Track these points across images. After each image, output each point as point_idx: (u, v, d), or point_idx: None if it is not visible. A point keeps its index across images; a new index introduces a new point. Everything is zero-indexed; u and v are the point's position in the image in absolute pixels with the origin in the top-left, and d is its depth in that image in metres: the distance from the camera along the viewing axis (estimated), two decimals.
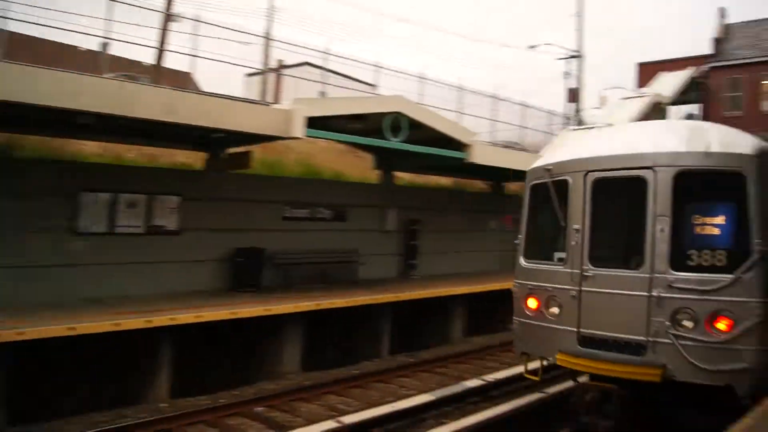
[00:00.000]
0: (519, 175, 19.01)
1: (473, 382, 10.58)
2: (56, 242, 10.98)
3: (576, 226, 7.47)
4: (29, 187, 10.62)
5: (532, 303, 7.93)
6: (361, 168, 19.30)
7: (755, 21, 29.44)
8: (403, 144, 13.65)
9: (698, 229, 6.84)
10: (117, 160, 13.86)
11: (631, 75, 34.69)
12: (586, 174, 7.47)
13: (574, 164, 7.67)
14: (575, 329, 7.29)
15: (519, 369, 11.46)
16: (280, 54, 18.64)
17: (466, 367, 12.63)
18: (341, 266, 15.28)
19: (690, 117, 28.77)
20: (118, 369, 10.47)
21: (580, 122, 29.53)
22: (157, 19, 17.47)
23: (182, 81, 16.51)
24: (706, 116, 28.74)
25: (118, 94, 9.62)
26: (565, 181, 7.67)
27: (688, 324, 6.57)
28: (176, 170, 13.98)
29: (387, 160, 16.97)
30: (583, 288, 7.30)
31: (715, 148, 6.87)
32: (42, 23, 11.10)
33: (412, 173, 19.80)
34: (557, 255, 7.76)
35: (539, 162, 8.48)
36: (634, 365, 6.78)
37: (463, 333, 15.91)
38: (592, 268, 7.27)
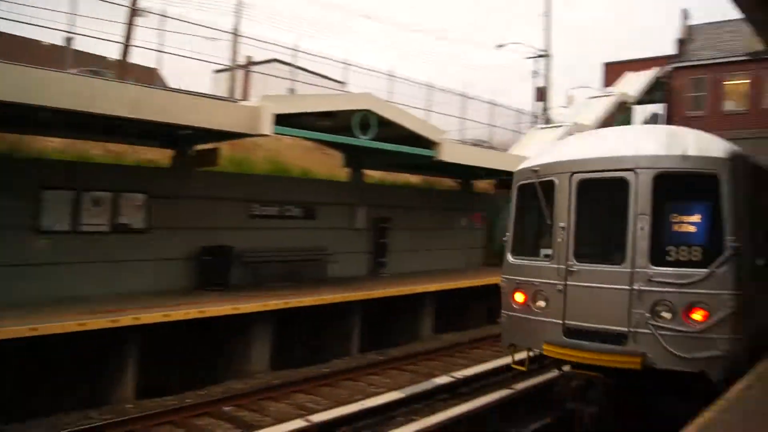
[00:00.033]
0: (488, 172, 19.29)
1: (443, 379, 10.64)
2: (18, 241, 10.73)
3: (562, 224, 7.88)
4: None
5: (519, 297, 8.33)
6: (330, 166, 19.24)
7: (717, 23, 30.06)
8: (372, 142, 13.65)
9: (676, 227, 7.32)
10: (82, 157, 13.58)
11: (598, 74, 35.21)
12: (571, 175, 7.89)
13: (560, 166, 8.09)
14: (561, 321, 7.70)
15: (488, 366, 11.63)
16: (248, 50, 18.49)
17: (435, 365, 12.69)
18: (311, 264, 15.22)
19: (655, 116, 29.36)
20: (83, 370, 10.27)
21: (547, 121, 29.89)
22: (122, 14, 17.24)
23: (148, 77, 16.25)
24: (670, 116, 29.31)
25: (82, 89, 9.41)
26: (552, 182, 8.07)
27: (667, 315, 7.03)
28: (142, 167, 13.76)
29: (356, 157, 16.96)
30: (568, 282, 7.71)
31: (692, 151, 7.36)
32: (1, 16, 10.83)
33: (381, 171, 19.81)
34: (544, 251, 8.17)
35: (526, 164, 8.90)
36: (616, 354, 7.22)
37: (432, 330, 15.98)
38: (577, 263, 7.69)
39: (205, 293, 12.36)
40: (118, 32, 16.92)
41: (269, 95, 12.08)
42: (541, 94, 32.48)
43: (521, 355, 8.73)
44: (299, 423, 8.28)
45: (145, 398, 10.06)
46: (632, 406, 7.85)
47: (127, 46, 17.34)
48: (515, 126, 27.95)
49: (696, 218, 7.30)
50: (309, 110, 12.39)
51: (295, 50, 18.92)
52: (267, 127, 11.38)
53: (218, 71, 18.73)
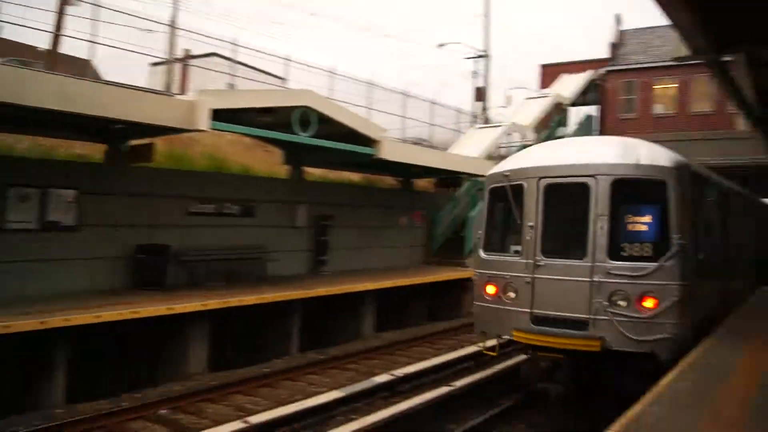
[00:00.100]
0: (428, 171, 19.46)
1: (383, 378, 10.65)
2: None
3: (530, 223, 8.81)
4: None
5: (490, 289, 9.20)
6: (270, 163, 19.01)
7: (647, 28, 31.21)
8: (312, 139, 13.55)
9: (630, 227, 8.37)
10: (7, 151, 12.96)
11: (535, 75, 35.97)
12: (539, 180, 8.84)
13: (528, 171, 9.03)
14: (529, 310, 8.62)
15: (428, 363, 11.71)
16: (186, 44, 18.08)
17: (376, 363, 12.70)
18: (250, 263, 14.99)
19: (589, 118, 30.23)
20: (8, 375, 9.80)
21: (486, 120, 30.37)
22: (53, 1, 16.54)
23: (80, 68, 15.67)
24: (603, 118, 30.25)
25: (6, 79, 8.97)
26: (521, 186, 9.01)
27: (622, 303, 8.03)
28: (73, 163, 13.23)
29: (296, 155, 16.80)
30: (535, 275, 8.63)
31: (644, 161, 8.43)
32: None
33: (322, 169, 19.71)
34: (513, 248, 9.11)
35: (497, 168, 9.82)
36: (578, 338, 8.16)
37: (373, 329, 16.00)
38: (544, 258, 8.61)
39: (140, 293, 11.99)
40: (48, 21, 16.28)
41: (206, 90, 11.84)
42: (480, 94, 32.98)
43: (491, 342, 9.55)
44: (237, 425, 8.13)
45: (76, 402, 9.68)
46: (592, 384, 8.69)
47: (57, 35, 16.66)
48: (455, 125, 28.31)
49: (647, 219, 8.36)
50: (247, 106, 12.20)
51: (235, 45, 18.61)
52: (204, 122, 11.13)
53: (155, 64, 18.22)
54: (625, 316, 7.96)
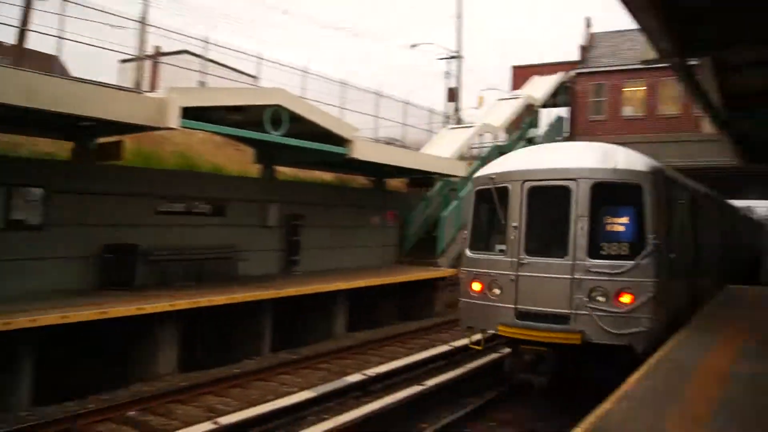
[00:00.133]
0: (401, 171, 19.49)
1: (355, 377, 10.64)
2: None
3: (514, 224, 9.32)
4: None
5: (476, 286, 9.69)
6: (241, 162, 18.85)
7: (617, 32, 31.69)
8: (283, 138, 13.47)
9: (608, 227, 8.92)
10: None
11: (507, 77, 36.27)
12: (523, 183, 9.35)
13: (513, 174, 9.56)
14: (513, 306, 9.13)
15: (400, 363, 11.73)
16: (157, 41, 17.84)
17: (348, 363, 12.68)
18: (220, 262, 14.85)
19: (560, 119, 30.57)
20: None
21: (459, 121, 30.54)
22: None
23: (47, 64, 15.35)
24: (574, 119, 30.63)
25: None
26: (506, 188, 9.51)
27: (601, 299, 8.55)
28: (39, 160, 12.95)
29: (268, 153, 16.68)
30: (519, 273, 9.13)
31: (621, 166, 9.01)
32: None
33: (294, 168, 19.61)
34: (498, 247, 9.58)
35: (483, 171, 10.34)
36: (560, 332, 8.68)
37: (345, 328, 15.97)
38: (527, 257, 9.14)
39: (108, 293, 11.79)
40: (14, 15, 15.91)
41: (176, 87, 11.68)
42: (453, 95, 33.19)
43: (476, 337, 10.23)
44: (207, 426, 8.05)
45: (42, 405, 9.48)
46: (573, 376, 9.16)
47: (23, 30, 16.29)
48: (428, 125, 28.42)
49: (624, 220, 8.95)
50: (218, 104, 12.09)
51: (206, 42, 18.43)
52: (173, 120, 11.00)
53: (125, 61, 17.95)
54: (604, 311, 8.49)
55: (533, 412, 9.96)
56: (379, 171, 19.81)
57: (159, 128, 11.40)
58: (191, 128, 12.48)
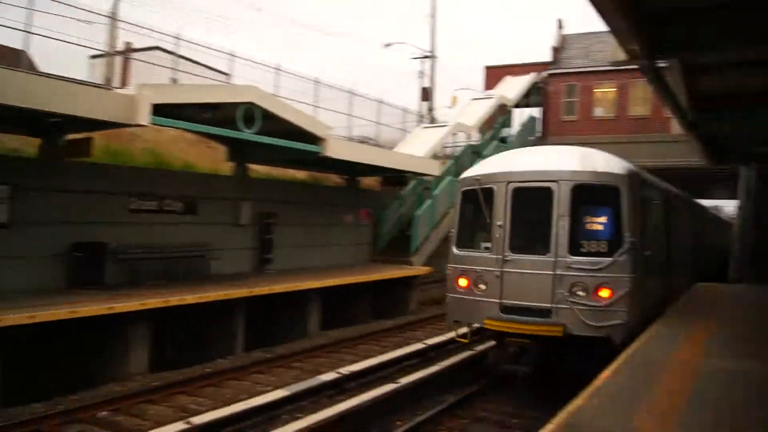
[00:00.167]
0: (375, 169, 19.49)
1: (329, 376, 10.62)
2: None
3: (499, 223, 9.82)
4: None
5: (463, 282, 10.17)
6: (213, 159, 18.68)
7: (588, 33, 32.08)
8: (256, 135, 13.38)
9: (588, 226, 9.47)
10: None
11: (480, 77, 36.49)
12: (507, 184, 9.86)
13: (498, 176, 10.07)
14: (498, 300, 9.64)
15: (374, 361, 11.74)
16: (128, 36, 17.58)
17: (321, 361, 12.65)
18: (193, 261, 14.70)
19: (532, 119, 30.85)
20: None
21: (432, 120, 30.65)
22: None
23: (15, 59, 15.02)
24: (546, 120, 30.94)
25: None
26: (491, 189, 10.01)
27: (581, 293, 9.07)
28: (5, 157, 12.68)
29: (241, 151, 16.55)
30: (504, 269, 9.65)
31: (600, 168, 9.60)
32: None
33: (267, 166, 19.49)
34: (484, 244, 10.04)
35: (469, 173, 10.87)
36: (543, 325, 9.21)
37: (319, 327, 15.91)
38: (512, 254, 9.65)
39: (77, 292, 11.60)
40: None
41: (147, 84, 11.52)
42: (427, 94, 33.29)
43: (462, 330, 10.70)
44: (180, 426, 7.96)
45: (8, 406, 9.28)
46: (555, 366, 9.62)
47: None
48: (401, 124, 28.46)
49: (603, 219, 9.51)
50: (190, 101, 11.96)
51: (178, 38, 18.22)
52: (144, 117, 10.85)
53: (95, 57, 17.66)
54: (584, 304, 9.03)
55: (509, 407, 10.06)
56: (352, 169, 19.79)
57: (129, 125, 11.24)
58: (162, 125, 12.32)
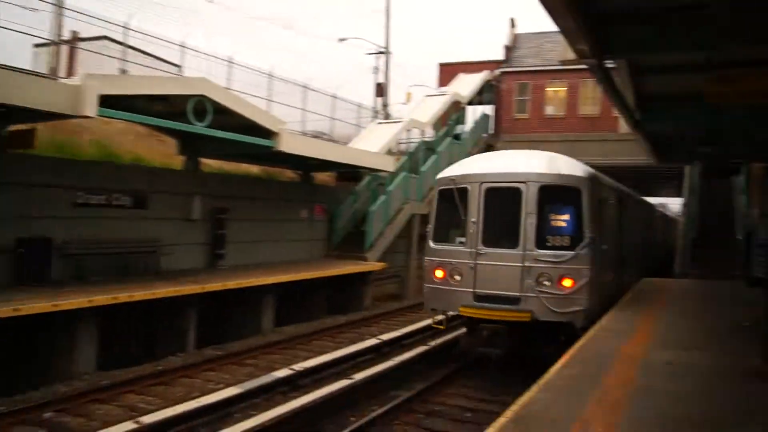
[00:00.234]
0: (329, 165, 19.40)
1: (282, 372, 10.55)
2: None
3: (473, 219, 10.79)
4: None
5: (439, 273, 11.14)
6: (164, 153, 18.29)
7: (539, 33, 32.56)
8: (207, 129, 13.14)
9: (553, 223, 10.49)
10: None
11: (434, 74, 36.67)
12: (480, 184, 10.84)
13: (472, 177, 11.06)
14: (472, 290, 10.63)
15: (328, 357, 11.71)
16: (75, 25, 17.03)
17: (275, 358, 12.57)
18: (142, 257, 14.38)
19: (485, 117, 31.17)
20: None
21: (387, 116, 30.68)
22: None
23: None
24: (498, 117, 31.30)
25: None
26: (466, 188, 10.98)
27: (547, 283, 10.12)
28: None
29: (192, 145, 16.25)
30: (477, 261, 10.63)
31: (564, 171, 10.71)
32: None
33: (219, 160, 19.19)
34: (459, 239, 11.01)
35: (445, 173, 11.85)
36: (512, 311, 10.22)
37: (273, 323, 15.77)
38: (484, 247, 10.63)
39: (21, 289, 11.20)
40: None
41: (94, 74, 11.18)
42: (381, 90, 33.31)
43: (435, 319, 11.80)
44: (129, 425, 7.79)
45: None
46: (524, 349, 10.53)
47: None
48: (356, 120, 28.42)
49: (566, 217, 10.51)
50: (139, 92, 11.67)
51: (127, 28, 17.77)
52: (90, 108, 10.53)
53: (39, 45, 17.05)
54: (549, 293, 10.08)
55: (463, 401, 10.18)
56: (306, 164, 19.66)
57: (75, 116, 10.90)
58: (109, 117, 11.99)
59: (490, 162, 11.64)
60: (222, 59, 21.07)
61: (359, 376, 10.55)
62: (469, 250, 10.72)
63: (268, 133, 14.66)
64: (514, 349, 10.42)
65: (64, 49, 17.22)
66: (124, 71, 17.42)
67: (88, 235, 13.19)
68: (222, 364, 11.96)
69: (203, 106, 12.87)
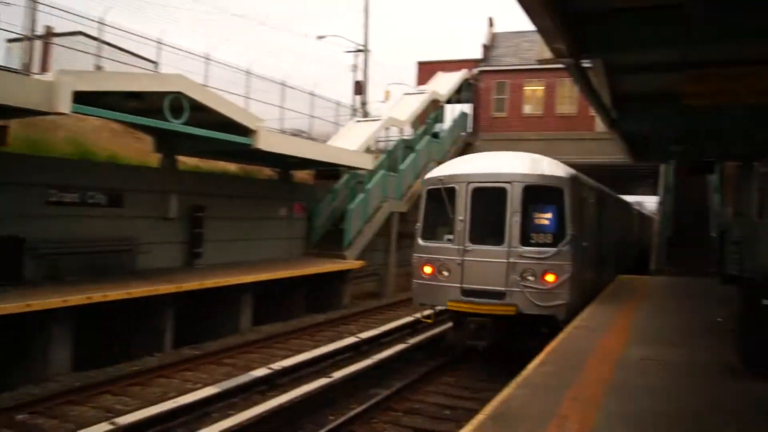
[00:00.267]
0: (308, 163, 19.32)
1: (260, 372, 10.48)
2: None
3: (461, 218, 11.29)
4: None
5: (428, 269, 11.61)
6: (140, 151, 18.06)
7: (517, 32, 32.75)
8: (184, 126, 13.00)
9: (536, 221, 10.99)
10: None
11: (412, 72, 36.71)
12: (467, 184, 11.34)
13: (459, 177, 11.56)
14: (459, 285, 11.13)
15: (307, 355, 11.67)
16: (49, 20, 16.75)
17: (253, 357, 12.51)
18: (118, 256, 14.19)
19: (464, 115, 31.28)
20: None
21: (365, 114, 30.66)
22: None
23: None
24: (477, 116, 31.42)
25: None
26: (453, 188, 11.47)
27: (531, 278, 10.64)
28: None
29: (168, 143, 16.05)
30: (465, 258, 11.13)
31: (547, 172, 11.24)
32: None
33: (196, 158, 19.01)
34: (446, 237, 11.48)
35: (433, 173, 12.37)
36: (498, 305, 10.72)
37: (251, 322, 15.67)
38: (471, 244, 11.14)
39: None
40: None
41: (68, 70, 11.01)
42: (360, 88, 33.27)
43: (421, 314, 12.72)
44: (104, 426, 7.69)
45: None
46: (509, 341, 11.07)
47: None
48: (334, 118, 28.36)
49: (548, 215, 11.00)
50: (114, 89, 11.49)
51: (102, 24, 17.52)
52: (64, 104, 10.34)
53: (12, 41, 16.74)
54: (533, 287, 10.59)
55: (441, 398, 10.21)
56: (285, 162, 19.55)
57: (48, 113, 10.71)
58: (84, 114, 11.80)
59: (477, 163, 12.12)
60: (199, 56, 20.91)
61: (338, 374, 10.53)
62: (456, 247, 11.19)
63: (245, 131, 14.55)
64: (500, 342, 10.90)
65: (38, 45, 16.93)
66: (99, 67, 17.17)
67: (62, 234, 12.98)
68: (199, 363, 11.87)
69: (180, 103, 12.73)
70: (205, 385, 9.92)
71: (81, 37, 17.67)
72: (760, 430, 5.54)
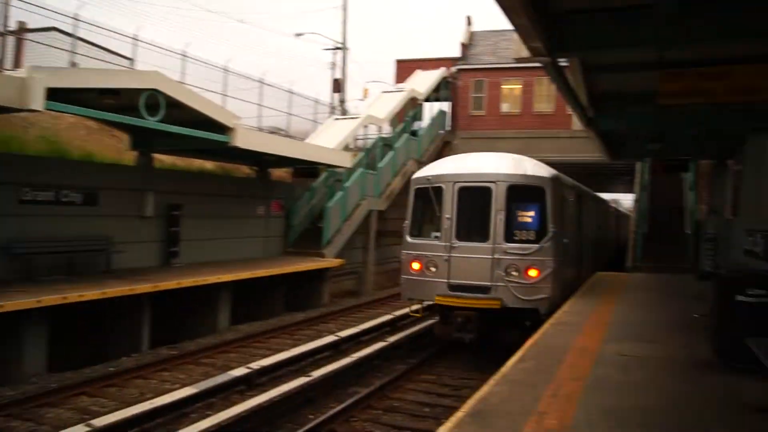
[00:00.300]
0: (286, 160, 19.22)
1: (239, 371, 10.41)
2: None
3: (447, 216, 11.76)
4: None
5: (416, 265, 12.08)
6: (116, 149, 17.83)
7: (495, 31, 32.91)
8: (160, 124, 12.84)
9: (520, 219, 11.45)
10: None
11: (391, 71, 36.69)
12: (454, 183, 11.84)
13: (446, 177, 12.07)
14: (446, 280, 11.61)
15: (286, 354, 11.62)
16: (22, 15, 16.45)
17: (232, 357, 12.43)
18: (93, 255, 14.00)
19: (442, 113, 31.36)
20: None
21: (344, 112, 30.59)
22: None
23: None
24: (455, 114, 31.52)
25: None
26: (440, 187, 11.98)
27: (515, 273, 11.12)
28: None
29: (144, 140, 15.83)
30: (451, 254, 11.60)
31: (530, 172, 11.77)
32: None
33: (173, 156, 18.81)
34: (434, 234, 11.96)
35: (420, 173, 12.88)
36: (484, 299, 11.22)
37: (230, 322, 15.56)
38: (458, 241, 11.61)
39: None
40: None
41: (40, 66, 10.80)
42: (338, 86, 33.17)
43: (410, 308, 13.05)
44: (80, 429, 7.59)
45: None
46: (494, 334, 11.52)
47: None
48: (313, 115, 28.26)
49: (531, 213, 11.47)
50: (89, 86, 11.30)
51: (77, 19, 17.26)
52: (37, 101, 10.14)
53: None
54: (517, 282, 11.06)
55: (421, 395, 10.23)
56: (263, 160, 19.42)
57: (21, 110, 10.50)
58: (58, 111, 11.62)
59: (463, 163, 12.58)
60: (176, 53, 20.69)
61: (317, 373, 10.49)
62: (443, 243, 11.66)
63: (222, 128, 14.42)
64: (485, 334, 11.33)
65: (11, 41, 16.62)
66: (74, 64, 16.91)
67: (35, 233, 12.77)
68: (177, 364, 11.76)
69: (156, 100, 12.58)
70: (183, 385, 9.83)
71: (55, 33, 17.39)
72: (736, 422, 5.63)
